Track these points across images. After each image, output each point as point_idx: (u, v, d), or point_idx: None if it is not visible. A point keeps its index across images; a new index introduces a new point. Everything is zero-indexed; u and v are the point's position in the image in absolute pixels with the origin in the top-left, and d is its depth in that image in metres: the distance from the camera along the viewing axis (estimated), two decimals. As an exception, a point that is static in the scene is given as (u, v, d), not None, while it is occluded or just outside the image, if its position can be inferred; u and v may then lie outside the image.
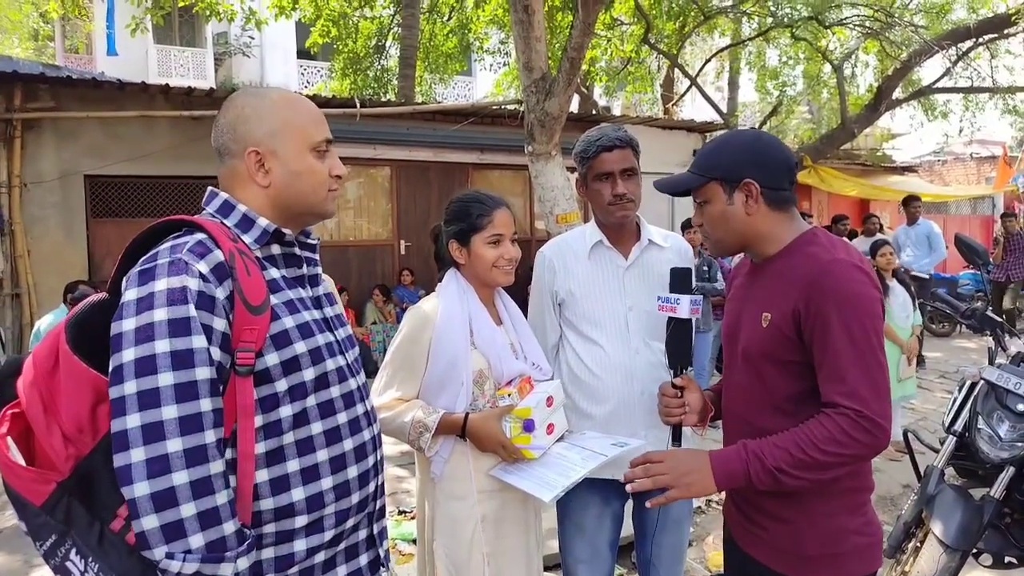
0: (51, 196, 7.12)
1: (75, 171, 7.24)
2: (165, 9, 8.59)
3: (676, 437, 1.74)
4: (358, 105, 7.73)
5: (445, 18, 13.16)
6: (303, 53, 18.19)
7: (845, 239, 8.28)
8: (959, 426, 2.99)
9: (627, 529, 2.23)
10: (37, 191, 7.04)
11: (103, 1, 9.68)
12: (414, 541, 3.46)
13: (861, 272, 1.44)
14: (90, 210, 7.44)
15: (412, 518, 3.84)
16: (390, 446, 4.74)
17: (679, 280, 1.76)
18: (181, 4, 9.16)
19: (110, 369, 1.10)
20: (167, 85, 7.60)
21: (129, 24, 8.48)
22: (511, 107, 8.59)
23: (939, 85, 11.01)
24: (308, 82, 20.03)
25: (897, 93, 10.66)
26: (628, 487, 1.51)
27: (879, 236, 8.48)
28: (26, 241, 6.97)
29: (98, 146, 7.31)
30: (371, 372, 5.95)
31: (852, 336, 1.39)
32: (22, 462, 1.12)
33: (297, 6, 11.16)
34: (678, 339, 1.74)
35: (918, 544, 2.83)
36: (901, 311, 4.87)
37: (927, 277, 7.98)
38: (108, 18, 14.90)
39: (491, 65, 14.29)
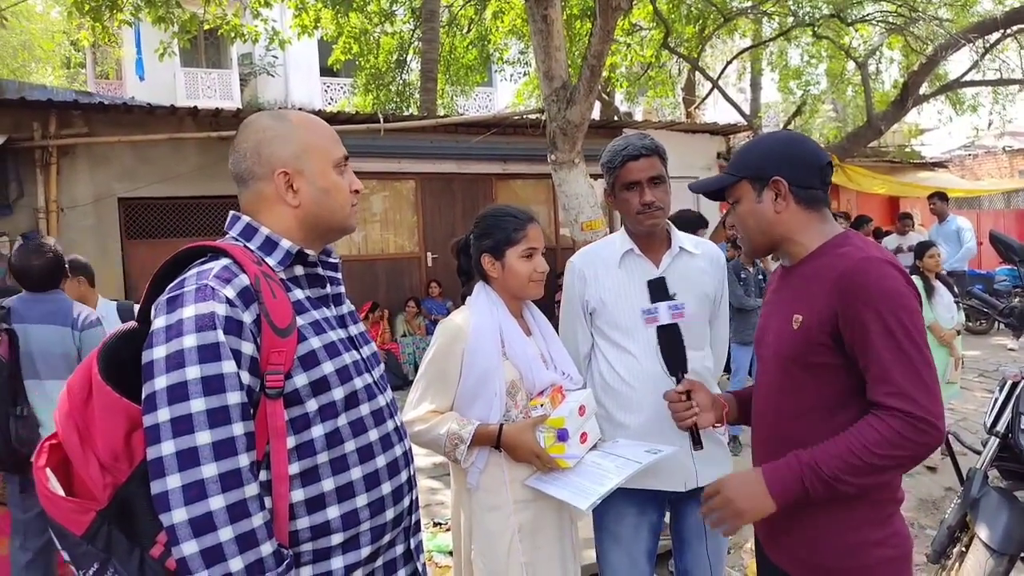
0: (86, 220, 7.29)
1: (109, 194, 7.42)
2: (191, 33, 8.75)
3: (696, 440, 1.76)
4: (382, 120, 7.81)
5: (464, 30, 13.25)
6: (326, 70, 18.47)
7: (873, 239, 8.18)
8: (1001, 427, 2.92)
9: (666, 537, 2.22)
10: (73, 215, 7.22)
11: (131, 27, 9.89)
12: (450, 553, 3.47)
13: (894, 268, 1.42)
14: (124, 232, 7.60)
15: (447, 530, 3.84)
16: (423, 458, 4.77)
17: (655, 290, 1.85)
18: (206, 27, 9.31)
19: (143, 397, 1.12)
20: (195, 107, 7.75)
21: (157, 49, 8.67)
22: (533, 117, 8.61)
23: (967, 78, 10.79)
24: (331, 99, 20.29)
25: (924, 88, 10.46)
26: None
27: (912, 234, 8.36)
28: (63, 264, 7.14)
29: (130, 169, 7.48)
30: (401, 385, 5.97)
31: (892, 334, 1.36)
32: (62, 493, 1.14)
33: (319, 25, 11.31)
34: (668, 345, 1.82)
35: (963, 549, 2.76)
36: (946, 312, 4.82)
37: (963, 272, 7.85)
38: (136, 44, 15.28)
39: (511, 75, 14.35)
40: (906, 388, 1.34)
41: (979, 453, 3.01)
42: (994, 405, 3.04)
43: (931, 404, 1.34)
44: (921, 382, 1.35)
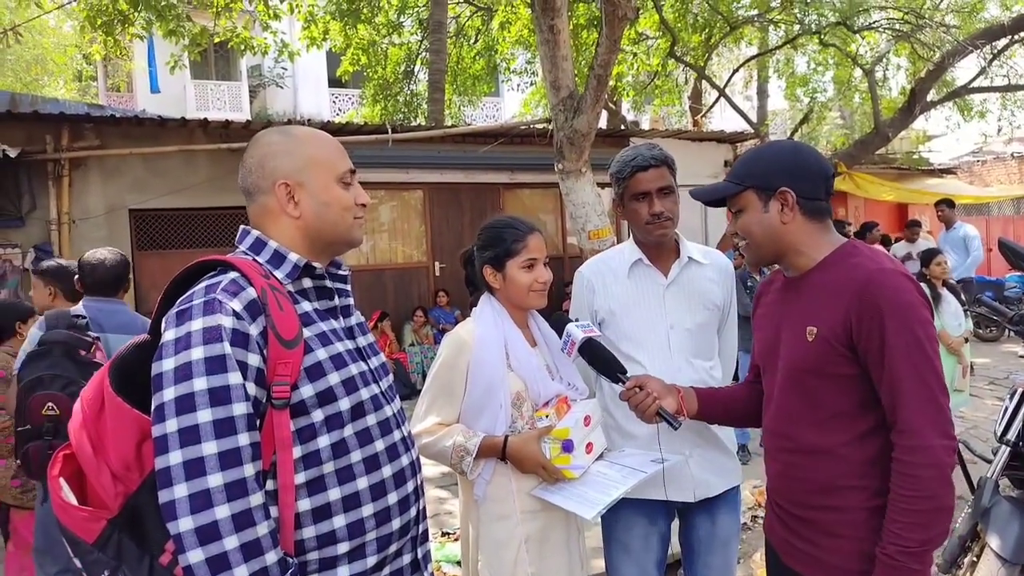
0: (98, 231, 7.35)
1: (120, 206, 7.49)
2: (202, 46, 8.86)
3: (671, 423, 1.78)
4: (389, 131, 7.86)
5: (472, 41, 13.33)
6: (334, 82, 18.61)
7: (881, 247, 8.16)
8: (1012, 435, 2.91)
9: (675, 547, 2.22)
10: (85, 226, 7.28)
11: (143, 41, 10.02)
12: (458, 563, 3.47)
13: (908, 280, 1.45)
14: (135, 243, 7.66)
15: (455, 540, 3.85)
16: (431, 468, 4.79)
17: (557, 325, 1.96)
18: (216, 40, 9.42)
19: (152, 408, 1.14)
20: (205, 119, 7.82)
21: (168, 62, 8.77)
22: (540, 126, 8.64)
23: (974, 85, 10.78)
24: (340, 110, 20.41)
25: (931, 95, 10.44)
26: None
27: (920, 241, 8.33)
28: (75, 275, 7.20)
29: (141, 181, 7.55)
30: (409, 394, 6.01)
31: (907, 349, 1.38)
32: (74, 501, 1.17)
33: (327, 36, 11.41)
34: (595, 358, 1.88)
35: (974, 558, 2.75)
36: (953, 320, 4.79)
37: (971, 280, 7.81)
38: (149, 57, 15.47)
39: (519, 85, 14.41)
40: (913, 418, 1.38)
41: (989, 462, 2.99)
42: (1005, 413, 3.03)
43: (937, 425, 1.38)
44: (930, 403, 1.38)
